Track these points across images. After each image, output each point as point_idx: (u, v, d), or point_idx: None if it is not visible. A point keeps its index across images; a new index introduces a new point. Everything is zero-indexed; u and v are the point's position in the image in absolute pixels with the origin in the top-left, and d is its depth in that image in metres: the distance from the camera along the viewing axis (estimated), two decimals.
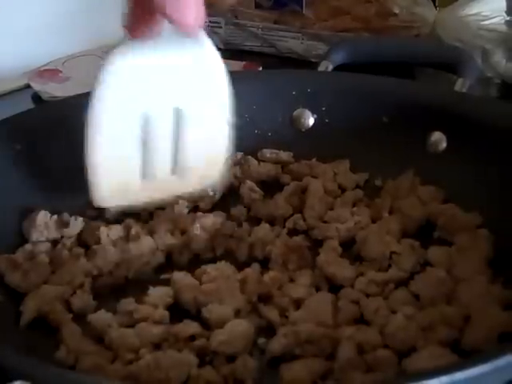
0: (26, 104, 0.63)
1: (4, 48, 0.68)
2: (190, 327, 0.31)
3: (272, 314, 0.32)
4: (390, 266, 0.36)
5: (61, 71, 0.68)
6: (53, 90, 0.63)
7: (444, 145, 0.43)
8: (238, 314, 0.32)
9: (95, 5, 0.77)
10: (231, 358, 0.30)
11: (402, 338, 0.30)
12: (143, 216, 0.41)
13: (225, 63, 0.67)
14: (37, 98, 0.64)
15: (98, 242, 0.37)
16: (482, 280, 0.34)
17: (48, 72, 0.67)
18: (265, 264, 0.36)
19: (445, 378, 0.21)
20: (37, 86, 0.64)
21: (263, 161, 0.46)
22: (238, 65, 0.66)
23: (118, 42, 0.34)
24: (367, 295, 0.33)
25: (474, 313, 0.31)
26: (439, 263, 0.35)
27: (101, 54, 0.73)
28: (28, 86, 0.65)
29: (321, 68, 0.49)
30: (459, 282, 0.34)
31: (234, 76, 0.52)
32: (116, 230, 0.38)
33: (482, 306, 0.32)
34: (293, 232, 0.39)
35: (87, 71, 0.68)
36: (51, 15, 0.74)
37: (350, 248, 0.38)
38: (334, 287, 0.35)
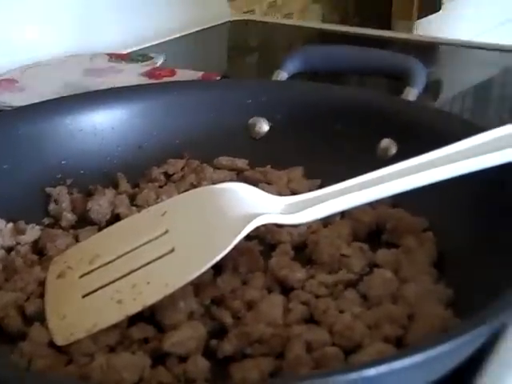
0: None
1: None
2: (143, 330, 0.32)
3: (224, 316, 0.33)
4: (340, 268, 0.37)
5: (17, 81, 0.68)
6: (8, 99, 0.63)
7: (393, 151, 0.44)
8: (191, 316, 0.33)
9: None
10: (184, 359, 0.31)
11: (348, 335, 0.31)
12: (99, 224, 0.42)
13: (183, 74, 0.68)
14: None
15: (55, 248, 0.38)
16: (427, 280, 0.35)
17: (4, 82, 0.67)
18: (217, 269, 0.36)
19: (382, 367, 0.22)
20: None
21: (219, 168, 0.47)
22: (196, 74, 0.68)
23: None
24: (317, 296, 0.34)
25: (417, 311, 0.33)
26: (386, 265, 0.37)
27: (58, 64, 0.74)
28: None
29: (274, 77, 0.50)
30: (405, 282, 0.35)
31: (191, 85, 0.53)
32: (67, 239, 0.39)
33: (425, 304, 0.33)
34: (246, 238, 0.39)
35: (43, 81, 0.69)
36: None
37: (302, 252, 0.39)
38: (286, 290, 0.35)
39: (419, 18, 1.19)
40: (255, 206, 0.35)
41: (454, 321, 0.31)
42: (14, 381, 0.23)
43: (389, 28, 1.22)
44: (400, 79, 0.48)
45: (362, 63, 0.49)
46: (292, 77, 0.52)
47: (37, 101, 0.58)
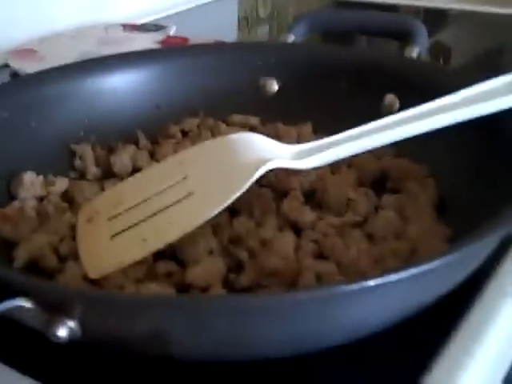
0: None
1: None
2: (167, 265, 0.35)
3: (241, 253, 0.36)
4: (346, 211, 0.40)
5: (36, 51, 0.71)
6: (30, 68, 0.66)
7: (397, 106, 0.47)
8: (210, 253, 0.36)
9: None
10: (204, 291, 0.34)
11: (355, 268, 0.34)
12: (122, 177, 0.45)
13: (196, 38, 0.71)
14: (14, 77, 0.67)
15: (83, 197, 0.41)
16: (428, 220, 0.38)
17: (25, 52, 0.70)
18: (233, 212, 0.39)
19: (379, 280, 0.25)
20: (16, 65, 0.67)
21: (232, 125, 0.50)
22: (209, 39, 0.70)
23: None
24: (326, 236, 0.37)
25: (419, 247, 0.35)
26: (390, 207, 0.39)
27: (75, 35, 0.76)
28: (5, 66, 0.68)
29: (283, 39, 0.53)
30: (407, 222, 0.38)
31: (205, 48, 0.56)
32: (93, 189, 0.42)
33: (426, 241, 0.36)
34: (259, 185, 0.42)
35: (61, 51, 0.71)
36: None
37: (311, 198, 0.42)
38: (297, 231, 0.38)
39: None
40: (267, 152, 0.37)
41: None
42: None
43: None
44: (403, 39, 0.50)
45: (367, 25, 0.52)
46: (299, 39, 0.55)
47: None
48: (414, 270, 0.25)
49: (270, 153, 0.37)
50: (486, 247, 0.31)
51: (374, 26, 0.50)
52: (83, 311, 0.25)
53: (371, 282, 0.25)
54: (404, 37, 0.50)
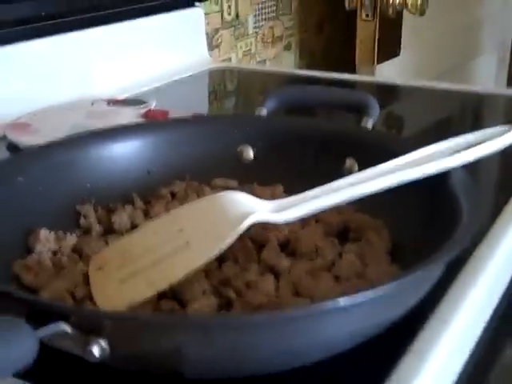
0: (1, 153, 0.73)
1: None
2: (169, 303, 0.42)
3: (230, 292, 0.43)
4: (316, 257, 0.47)
5: (31, 124, 0.78)
6: (27, 140, 0.73)
7: (356, 169, 0.55)
8: (204, 293, 0.43)
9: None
10: None
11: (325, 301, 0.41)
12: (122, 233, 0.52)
13: (175, 111, 0.79)
14: (11, 147, 0.74)
15: (91, 250, 0.47)
16: (384, 263, 0.46)
17: (20, 125, 0.78)
18: (221, 260, 0.46)
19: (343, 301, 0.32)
20: (13, 137, 0.74)
21: (215, 187, 0.57)
22: (187, 111, 0.78)
23: None
24: (300, 278, 0.45)
25: (377, 284, 0.43)
26: (352, 253, 0.47)
27: (63, 109, 0.84)
28: (3, 137, 0.76)
29: (257, 113, 0.61)
30: (367, 265, 0.45)
31: (188, 121, 0.64)
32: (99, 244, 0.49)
33: (382, 279, 0.43)
34: (241, 238, 0.49)
35: (52, 124, 0.79)
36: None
37: (285, 248, 0.49)
38: (275, 275, 0.45)
39: (380, 62, 1.31)
40: (250, 207, 0.45)
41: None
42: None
43: (353, 72, 1.34)
44: (358, 112, 0.59)
45: (328, 100, 0.61)
46: (271, 112, 0.63)
47: (51, 140, 0.68)
48: (373, 293, 0.33)
49: (253, 208, 0.45)
50: (429, 275, 0.39)
51: (334, 101, 0.59)
52: (113, 331, 0.32)
53: (341, 302, 0.32)
54: (359, 109, 0.59)
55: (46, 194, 0.51)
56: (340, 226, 0.51)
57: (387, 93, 1.04)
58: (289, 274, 0.45)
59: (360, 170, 0.54)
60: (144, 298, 0.41)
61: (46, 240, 0.48)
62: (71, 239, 0.49)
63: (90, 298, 0.43)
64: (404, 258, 0.47)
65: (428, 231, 0.47)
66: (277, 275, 0.45)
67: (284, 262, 0.46)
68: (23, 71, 0.85)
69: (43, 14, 0.86)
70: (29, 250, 0.48)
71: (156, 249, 0.44)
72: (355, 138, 0.55)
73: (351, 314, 0.34)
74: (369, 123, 0.57)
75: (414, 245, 0.47)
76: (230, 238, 0.42)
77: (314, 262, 0.46)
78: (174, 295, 0.43)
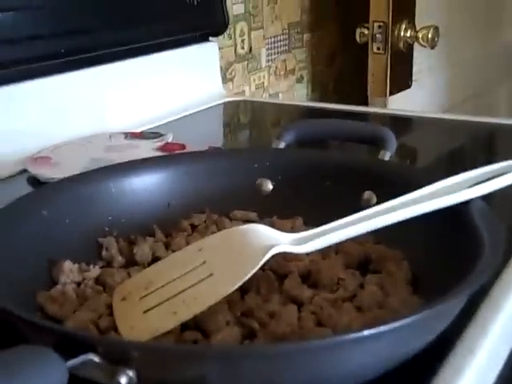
0: (23, 186, 0.74)
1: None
2: (193, 334, 0.42)
3: (253, 323, 0.43)
4: (338, 288, 0.48)
5: (51, 158, 0.80)
6: (47, 173, 0.75)
7: (374, 201, 0.56)
8: (227, 324, 0.43)
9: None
10: None
11: (348, 332, 0.41)
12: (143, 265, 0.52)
13: (191, 148, 0.80)
14: (32, 180, 0.76)
15: (114, 282, 0.48)
16: (405, 293, 0.46)
17: (41, 159, 0.79)
18: (243, 291, 0.47)
19: (367, 332, 0.32)
20: (34, 171, 0.76)
21: (234, 219, 0.58)
22: (203, 144, 0.79)
23: None
24: (322, 308, 0.45)
25: (399, 314, 0.43)
26: (373, 284, 0.47)
27: (83, 143, 0.85)
28: (24, 171, 0.77)
29: (274, 146, 0.62)
30: (388, 295, 0.46)
31: (208, 154, 0.65)
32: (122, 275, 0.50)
33: (405, 309, 0.44)
34: (262, 269, 0.50)
35: (72, 157, 0.80)
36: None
37: (307, 279, 0.49)
38: (298, 305, 0.46)
39: (392, 94, 1.33)
40: (272, 239, 0.45)
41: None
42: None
43: (365, 103, 1.36)
44: (375, 144, 0.60)
45: (346, 133, 0.62)
46: (288, 145, 0.64)
47: (71, 173, 0.69)
48: (396, 323, 0.33)
49: (274, 240, 0.45)
50: (452, 307, 0.39)
51: (351, 135, 0.60)
52: (141, 361, 0.32)
53: (365, 332, 0.32)
54: (376, 142, 0.59)
55: (69, 226, 0.52)
56: (360, 256, 0.52)
57: (400, 124, 1.05)
58: (311, 305, 0.45)
59: (378, 201, 0.55)
60: (168, 329, 0.41)
61: (69, 271, 0.48)
62: (94, 271, 0.50)
63: (115, 328, 0.43)
64: (424, 288, 0.47)
65: (448, 261, 0.47)
66: (299, 305, 0.46)
67: (306, 293, 0.47)
68: (42, 106, 0.87)
69: (62, 50, 0.88)
70: (53, 281, 0.49)
71: (179, 280, 0.45)
72: (373, 170, 0.56)
73: (374, 344, 0.35)
74: (386, 156, 0.57)
75: (434, 275, 0.48)
76: (252, 269, 0.43)
77: (336, 293, 0.47)
78: (197, 326, 0.43)
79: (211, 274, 0.44)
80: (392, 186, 0.54)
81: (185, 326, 0.43)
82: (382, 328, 0.33)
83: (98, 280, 0.50)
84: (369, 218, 0.47)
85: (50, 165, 0.77)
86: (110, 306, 0.45)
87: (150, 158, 0.61)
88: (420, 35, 1.33)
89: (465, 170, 0.52)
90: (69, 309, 0.45)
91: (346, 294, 0.47)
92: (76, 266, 0.50)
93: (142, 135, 0.89)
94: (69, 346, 0.34)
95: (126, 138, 0.88)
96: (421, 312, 0.35)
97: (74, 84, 0.91)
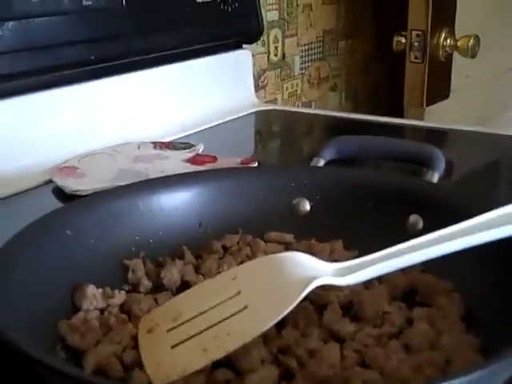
0: (48, 197, 0.71)
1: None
2: (225, 373, 0.38)
3: (291, 361, 0.40)
4: (383, 323, 0.44)
5: (77, 168, 0.77)
6: (73, 184, 0.72)
7: (421, 225, 0.52)
8: (262, 362, 0.39)
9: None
10: None
11: (396, 377, 0.37)
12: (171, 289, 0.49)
13: (223, 160, 0.76)
14: (57, 191, 0.73)
15: (139, 310, 0.45)
16: (458, 331, 0.42)
17: (67, 169, 0.76)
18: (280, 324, 0.43)
19: None
20: (59, 181, 0.73)
21: (269, 241, 0.54)
22: (235, 160, 0.76)
23: None
24: (366, 346, 0.41)
25: (453, 356, 0.39)
26: (422, 320, 0.43)
27: (110, 153, 0.82)
28: (50, 181, 0.74)
29: (313, 163, 0.58)
30: (440, 333, 0.42)
31: (242, 171, 0.61)
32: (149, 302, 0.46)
33: (459, 351, 0.39)
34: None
35: (99, 168, 0.77)
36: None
37: (348, 310, 0.45)
38: (339, 341, 0.42)
39: (429, 105, 1.28)
40: (312, 270, 0.42)
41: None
42: None
43: (398, 114, 1.31)
44: (421, 164, 0.56)
45: (389, 151, 0.57)
46: (327, 163, 0.60)
47: (97, 185, 0.66)
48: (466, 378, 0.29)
49: (316, 270, 0.42)
50: None
51: (396, 153, 0.56)
52: None
53: None
54: (423, 162, 0.55)
55: (93, 247, 0.49)
56: (406, 287, 0.48)
57: (437, 137, 1.01)
58: (353, 341, 0.42)
59: (425, 226, 0.51)
60: (197, 368, 0.37)
61: (93, 297, 0.45)
62: (119, 297, 0.46)
63: (140, 363, 0.40)
64: (479, 325, 0.43)
65: (504, 294, 0.43)
66: (340, 341, 0.42)
67: (348, 327, 0.43)
68: (71, 114, 0.84)
69: (92, 57, 0.85)
70: (75, 308, 0.45)
71: (211, 312, 0.41)
72: (421, 192, 0.52)
73: None
74: (434, 177, 0.53)
75: (489, 310, 0.43)
76: (292, 303, 0.39)
77: (381, 328, 0.43)
78: (230, 363, 0.40)
79: (246, 307, 0.40)
80: (441, 211, 0.50)
81: (216, 363, 0.39)
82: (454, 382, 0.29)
83: (123, 307, 0.46)
84: (418, 248, 0.43)
85: (75, 175, 0.74)
86: (135, 338, 0.42)
87: (180, 174, 0.58)
88: (460, 44, 1.28)
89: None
90: (91, 340, 0.42)
91: (392, 330, 0.43)
92: (100, 290, 0.46)
93: (171, 145, 0.86)
94: None
95: (154, 147, 0.84)
96: (488, 366, 0.30)
97: (103, 91, 0.88)
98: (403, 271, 0.48)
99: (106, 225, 0.51)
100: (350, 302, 0.46)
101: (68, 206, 0.50)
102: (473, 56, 1.28)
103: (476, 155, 0.89)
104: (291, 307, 0.39)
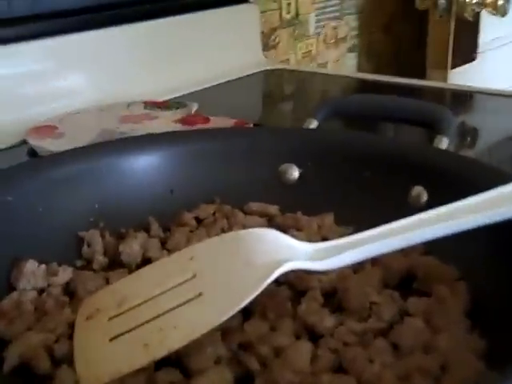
0: (22, 159, 0.65)
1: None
2: (170, 374, 0.32)
3: (252, 362, 0.33)
4: (369, 316, 0.36)
5: (57, 127, 0.70)
6: (48, 145, 0.65)
7: (425, 199, 0.44)
8: (218, 361, 0.33)
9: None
10: None
11: None
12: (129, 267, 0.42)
13: (216, 121, 0.69)
14: (33, 153, 0.66)
15: (85, 290, 0.38)
16: (459, 330, 0.34)
17: (45, 128, 0.69)
18: (246, 313, 0.36)
19: None
20: (33, 142, 0.66)
21: (250, 214, 0.47)
22: (229, 122, 0.69)
23: None
24: (346, 344, 0.34)
25: (450, 362, 0.32)
26: (418, 313, 0.36)
27: (96, 112, 0.76)
28: (24, 142, 0.67)
29: (306, 125, 0.51)
30: (437, 332, 0.34)
31: (222, 132, 0.54)
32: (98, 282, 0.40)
33: (458, 355, 0.32)
34: (275, 283, 0.39)
35: (81, 128, 0.70)
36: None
37: (331, 298, 0.38)
38: (315, 336, 0.35)
39: (454, 67, 1.19)
40: (283, 251, 0.35)
41: (486, 374, 0.31)
42: None
43: (423, 77, 1.23)
44: (431, 127, 0.48)
45: (392, 112, 0.50)
46: (324, 123, 0.53)
47: (75, 146, 0.60)
48: None
49: (287, 252, 0.34)
50: None
51: (400, 114, 0.48)
52: None
53: None
54: (432, 125, 0.47)
55: (41, 216, 0.42)
56: (403, 272, 0.40)
57: (461, 101, 0.93)
58: (331, 338, 0.35)
59: (429, 200, 0.43)
60: (133, 368, 0.31)
61: (31, 275, 0.39)
62: (65, 275, 0.40)
63: (71, 359, 0.33)
64: (487, 321, 0.36)
65: None
66: (316, 337, 0.35)
67: (326, 322, 0.36)
68: (58, 69, 0.77)
69: (88, 5, 0.78)
70: (11, 287, 0.39)
71: (160, 298, 0.34)
72: (426, 160, 0.44)
73: None
74: (443, 143, 0.45)
75: (499, 305, 0.36)
76: (254, 292, 0.32)
77: (367, 322, 0.36)
78: (178, 360, 0.33)
79: (200, 294, 0.33)
80: (448, 183, 0.43)
81: (162, 361, 0.33)
82: None
83: (68, 287, 0.40)
84: (419, 225, 0.35)
85: (53, 136, 0.67)
86: (72, 326, 0.35)
87: (151, 134, 0.51)
88: (488, 1, 1.18)
89: None
90: (20, 327, 0.35)
91: (379, 325, 0.36)
92: (43, 267, 0.40)
93: (164, 104, 0.79)
94: None
95: (145, 107, 0.77)
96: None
97: (98, 44, 0.81)
98: (402, 252, 0.41)
99: (60, 191, 0.44)
100: (335, 289, 0.39)
101: (11, 169, 0.44)
102: (503, 15, 1.18)
103: (504, 122, 0.81)
104: (252, 296, 0.32)
